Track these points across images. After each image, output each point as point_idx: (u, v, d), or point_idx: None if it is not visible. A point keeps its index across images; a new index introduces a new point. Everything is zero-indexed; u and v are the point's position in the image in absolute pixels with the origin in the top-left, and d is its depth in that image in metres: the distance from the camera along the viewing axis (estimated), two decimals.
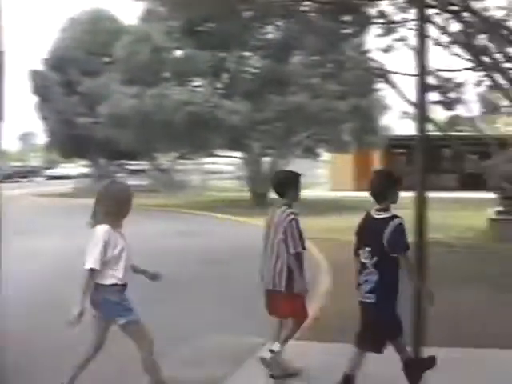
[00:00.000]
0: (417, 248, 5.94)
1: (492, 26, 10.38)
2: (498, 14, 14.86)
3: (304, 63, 22.68)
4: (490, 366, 6.39)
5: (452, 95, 14.97)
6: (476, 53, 10.52)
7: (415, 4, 7.04)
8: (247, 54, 28.24)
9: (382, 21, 15.05)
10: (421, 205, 6.04)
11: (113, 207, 5.36)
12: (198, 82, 28.78)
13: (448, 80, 18.41)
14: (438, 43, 13.51)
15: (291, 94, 24.98)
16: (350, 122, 27.59)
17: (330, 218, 21.71)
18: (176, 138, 27.44)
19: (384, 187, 5.63)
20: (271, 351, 5.95)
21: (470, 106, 16.26)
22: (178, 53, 28.64)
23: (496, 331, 7.51)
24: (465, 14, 10.21)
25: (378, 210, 5.58)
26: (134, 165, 43.22)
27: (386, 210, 5.54)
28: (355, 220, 5.95)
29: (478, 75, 16.19)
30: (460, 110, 16.84)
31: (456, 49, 11.97)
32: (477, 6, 12.85)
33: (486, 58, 10.75)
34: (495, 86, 11.44)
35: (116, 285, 5.26)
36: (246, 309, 8.48)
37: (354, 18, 14.85)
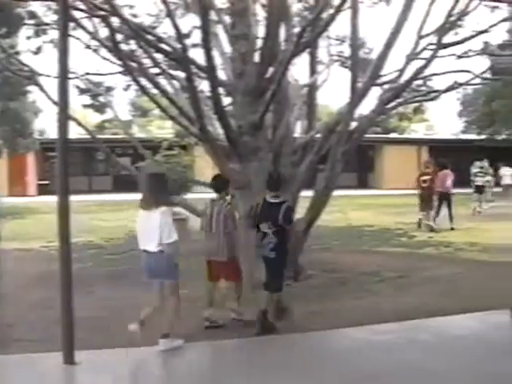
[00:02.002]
0: (62, 252, 5.90)
1: (139, 32, 10.64)
2: (147, 21, 15.38)
3: None
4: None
5: (102, 99, 15.10)
6: (124, 58, 10.68)
7: (59, 6, 6.92)
8: None
9: (32, 22, 14.67)
10: (62, 208, 5.98)
11: None
12: None
13: (98, 84, 18.57)
14: (87, 47, 13.53)
15: None
16: (0, 126, 26.46)
17: None
18: None
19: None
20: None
21: (121, 110, 16.52)
22: None
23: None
24: (113, 19, 10.30)
25: (271, 197, 7.92)
26: None
27: (278, 196, 7.94)
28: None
29: (127, 80, 16.60)
30: (111, 114, 17.05)
31: (105, 53, 12.05)
32: (126, 11, 13.13)
33: (133, 63, 10.97)
34: (143, 91, 11.71)
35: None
36: None
37: (3, 18, 14.29)
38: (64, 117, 6.22)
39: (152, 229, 6.87)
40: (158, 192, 7.06)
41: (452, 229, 17.43)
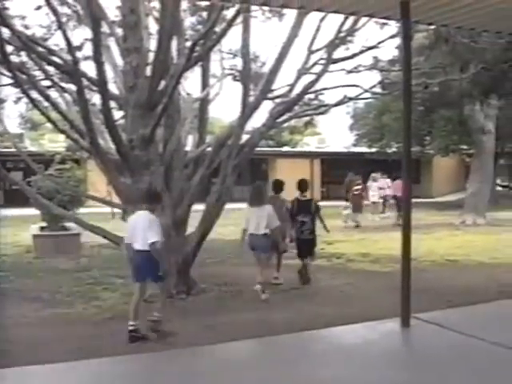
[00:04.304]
0: None
1: (30, 44, 10.44)
2: (38, 32, 15.05)
3: None
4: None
5: None
6: (14, 69, 10.44)
7: None
8: None
9: None
10: None
11: None
12: None
13: None
14: None
15: None
16: None
17: None
18: None
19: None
20: None
21: (12, 123, 16.10)
22: None
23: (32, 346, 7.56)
24: (3, 30, 10.08)
25: (302, 196, 11.58)
26: None
27: (307, 195, 11.76)
28: None
29: (18, 92, 16.20)
30: (0, 127, 16.57)
31: None
32: (16, 22, 12.85)
33: (23, 75, 10.74)
34: (34, 104, 11.48)
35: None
36: None
37: None
38: None
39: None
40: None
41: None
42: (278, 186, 11.62)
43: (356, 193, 24.36)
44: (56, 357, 6.92)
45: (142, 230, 7.74)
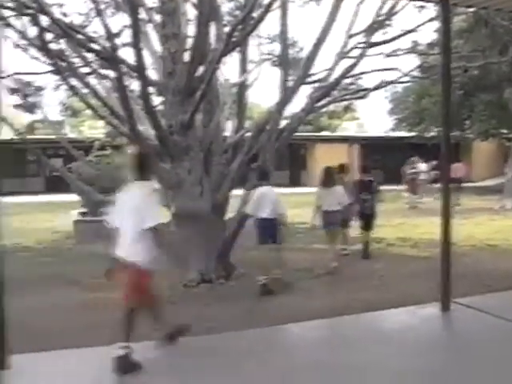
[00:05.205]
0: None
1: (69, 31, 10.52)
2: (77, 20, 15.18)
3: None
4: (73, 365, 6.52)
5: (32, 99, 14.92)
6: (54, 57, 10.56)
7: None
8: None
9: None
10: None
11: None
12: None
13: (28, 84, 18.29)
14: (17, 46, 13.31)
15: None
16: None
17: None
18: None
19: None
20: None
21: (52, 110, 16.31)
22: None
23: (72, 328, 7.68)
24: (42, 18, 10.18)
25: (365, 177, 13.21)
26: None
27: (370, 177, 13.24)
28: None
29: (58, 79, 16.38)
30: (42, 114, 16.80)
31: (35, 52, 11.89)
32: (55, 10, 12.97)
33: (63, 63, 10.85)
34: (74, 91, 11.60)
35: None
36: None
37: None
38: None
39: None
40: None
41: None
42: (344, 169, 13.16)
43: (412, 176, 25.98)
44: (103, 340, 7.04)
45: (270, 202, 9.72)
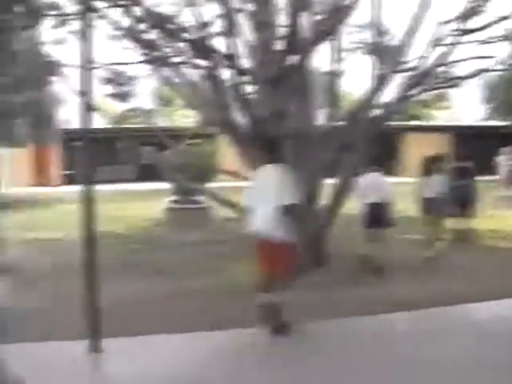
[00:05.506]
0: (87, 241, 5.98)
1: (161, 22, 10.65)
2: (170, 10, 15.35)
3: None
4: (165, 350, 6.61)
5: (125, 88, 15.16)
6: (146, 47, 10.72)
7: None
8: None
9: (54, 12, 14.70)
10: (88, 197, 6.04)
11: None
12: None
13: (121, 73, 18.60)
14: (110, 37, 13.56)
15: None
16: (24, 116, 26.53)
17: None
18: None
19: None
20: None
21: (144, 99, 16.58)
22: None
23: (165, 317, 7.78)
24: (135, 9, 10.35)
25: (462, 164, 13.45)
26: None
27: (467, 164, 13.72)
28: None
29: (150, 69, 16.63)
30: (134, 103, 17.08)
31: (127, 43, 12.08)
32: (148, 0, 13.15)
33: (156, 53, 11.00)
34: (166, 80, 11.76)
35: None
36: None
37: (25, 9, 14.31)
38: (88, 107, 6.28)
39: None
40: None
41: None
42: (441, 158, 12.60)
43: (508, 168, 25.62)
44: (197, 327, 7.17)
45: (379, 188, 10.20)
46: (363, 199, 10.39)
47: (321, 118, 12.07)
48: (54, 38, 15.45)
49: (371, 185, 10.31)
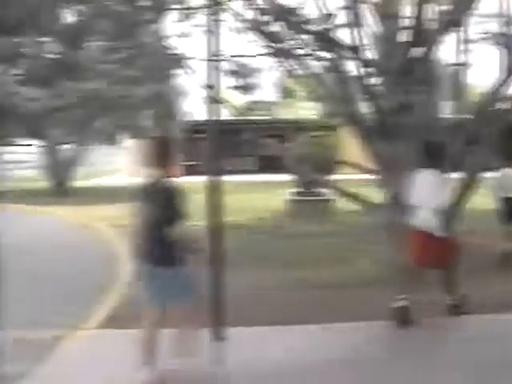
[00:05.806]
0: (213, 231, 6.11)
1: (285, 14, 10.70)
2: (293, 2, 15.39)
3: (100, 49, 22.17)
4: (296, 340, 6.66)
5: (248, 80, 15.37)
6: (270, 39, 10.80)
7: None
8: (44, 39, 27.02)
9: (178, 6, 15.06)
10: (214, 188, 6.17)
11: None
12: None
13: (244, 66, 18.88)
14: (234, 29, 13.75)
15: (88, 80, 24.26)
16: (149, 108, 27.38)
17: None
18: None
19: None
20: None
21: (267, 91, 16.71)
22: None
23: (292, 309, 7.82)
24: (258, 1, 10.45)
25: None
26: None
27: None
28: None
29: (273, 61, 16.74)
30: (257, 95, 17.24)
31: (251, 35, 12.21)
32: None
33: (280, 45, 11.06)
34: (289, 72, 11.81)
35: None
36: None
37: (151, 3, 14.74)
38: (214, 99, 6.41)
39: None
40: None
41: None
42: None
43: None
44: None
45: None
46: (499, 193, 10.34)
47: (447, 110, 11.80)
48: (179, 32, 15.84)
49: (507, 179, 10.22)
